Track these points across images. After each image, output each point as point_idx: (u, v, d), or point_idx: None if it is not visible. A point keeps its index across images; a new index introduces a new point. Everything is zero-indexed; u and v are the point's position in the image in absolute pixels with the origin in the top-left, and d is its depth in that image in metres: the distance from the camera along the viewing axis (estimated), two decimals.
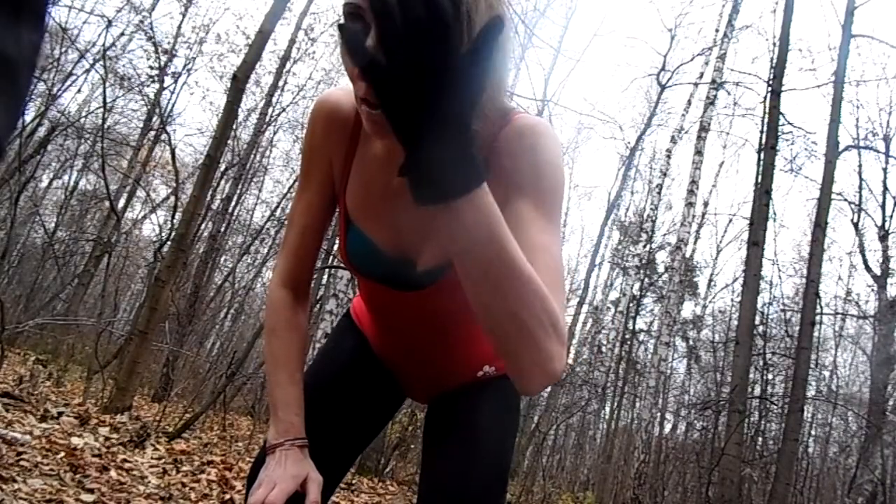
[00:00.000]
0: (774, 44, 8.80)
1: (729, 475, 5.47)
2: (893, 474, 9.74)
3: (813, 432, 13.01)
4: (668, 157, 11.96)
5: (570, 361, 12.69)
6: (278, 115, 11.61)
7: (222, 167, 9.33)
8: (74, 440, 3.23)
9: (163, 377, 7.66)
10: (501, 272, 0.59)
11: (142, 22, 10.39)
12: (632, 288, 12.86)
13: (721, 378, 12.10)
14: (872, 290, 11.29)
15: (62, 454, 2.90)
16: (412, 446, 6.56)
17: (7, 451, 2.63)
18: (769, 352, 10.36)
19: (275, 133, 12.58)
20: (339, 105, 0.90)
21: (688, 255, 13.04)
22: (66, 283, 10.77)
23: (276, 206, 11.09)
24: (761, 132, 8.80)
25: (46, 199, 14.69)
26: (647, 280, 13.92)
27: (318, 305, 7.16)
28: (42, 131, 10.15)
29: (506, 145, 0.76)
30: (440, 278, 0.85)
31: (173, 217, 7.18)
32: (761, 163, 7.23)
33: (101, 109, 7.29)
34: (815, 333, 8.35)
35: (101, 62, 7.68)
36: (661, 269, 14.71)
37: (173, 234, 5.44)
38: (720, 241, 15.98)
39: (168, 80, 10.87)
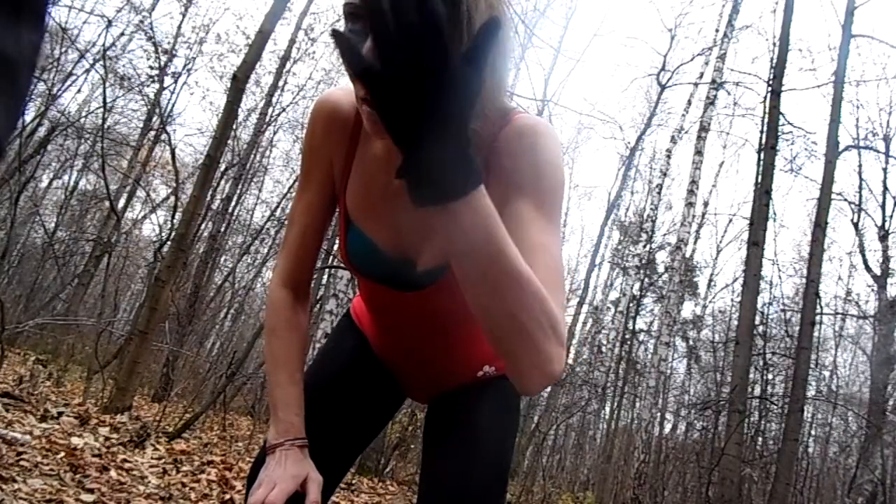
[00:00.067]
0: (774, 44, 8.80)
1: (729, 475, 5.47)
2: (893, 474, 9.74)
3: (813, 432, 13.01)
4: (668, 157, 11.97)
5: (570, 361, 12.70)
6: (278, 115, 11.61)
7: (222, 167, 9.33)
8: (74, 440, 3.23)
9: (163, 377, 7.66)
10: (499, 274, 0.59)
11: (142, 22, 10.39)
12: (632, 288, 12.86)
13: (721, 378, 12.10)
14: (872, 290, 11.29)
15: (62, 454, 2.90)
16: (412, 446, 6.56)
17: (7, 451, 2.63)
18: (769, 352, 10.36)
19: (275, 133, 12.60)
20: (340, 105, 0.90)
21: (688, 255, 13.04)
22: (66, 283, 10.77)
23: (276, 206, 11.10)
24: (761, 132, 8.81)
25: (46, 199, 14.69)
26: (647, 280, 13.92)
27: (318, 305, 7.15)
28: (42, 131, 10.15)
29: (506, 145, 0.76)
30: (440, 278, 0.85)
31: (173, 217, 7.18)
32: (761, 163, 7.23)
33: (101, 109, 7.30)
34: (815, 333, 8.35)
35: (101, 62, 7.68)
36: (661, 269, 14.71)
37: (173, 234, 5.44)
38: (720, 241, 15.99)
39: (168, 80, 10.88)
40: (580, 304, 13.33)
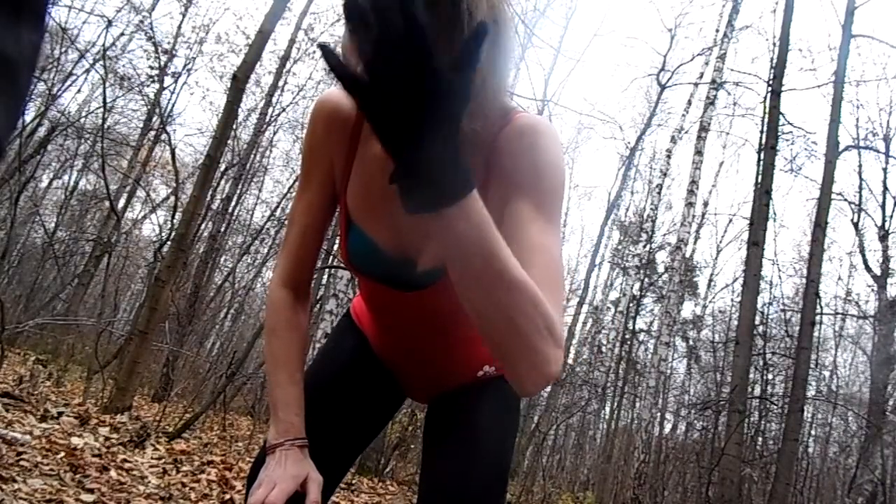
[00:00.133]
0: (774, 44, 8.81)
1: (729, 475, 5.47)
2: (893, 474, 9.75)
3: (813, 432, 13.01)
4: (668, 157, 11.96)
5: (570, 361, 12.70)
6: (278, 115, 11.61)
7: (222, 167, 9.33)
8: (74, 440, 3.23)
9: (163, 377, 7.66)
10: (493, 278, 0.59)
11: (142, 22, 10.39)
12: (632, 288, 12.86)
13: (721, 378, 12.10)
14: (872, 290, 11.30)
15: (62, 454, 2.90)
16: (412, 446, 6.56)
17: (7, 451, 2.63)
18: (769, 352, 10.36)
19: (275, 133, 12.59)
20: (340, 105, 0.90)
21: (688, 255, 13.04)
22: (66, 283, 10.77)
23: (276, 206, 11.10)
24: (761, 132, 8.81)
25: (46, 199, 14.69)
26: (647, 280, 13.92)
27: (318, 305, 7.15)
28: (42, 131, 10.15)
29: (506, 144, 0.76)
30: (440, 278, 0.85)
31: (173, 217, 7.18)
32: (761, 163, 7.23)
33: (101, 109, 7.30)
34: (815, 333, 8.35)
35: (101, 62, 7.68)
36: (661, 269, 14.71)
37: (173, 234, 5.44)
38: (720, 241, 15.99)
39: (168, 80, 10.89)
40: (580, 304, 13.33)
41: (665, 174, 12.21)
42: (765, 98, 8.40)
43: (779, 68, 6.85)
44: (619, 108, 28.87)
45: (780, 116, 6.96)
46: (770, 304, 11.65)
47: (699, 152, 10.24)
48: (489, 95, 0.71)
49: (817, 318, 7.39)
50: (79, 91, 14.21)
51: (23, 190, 7.89)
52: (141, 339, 4.63)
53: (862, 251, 11.05)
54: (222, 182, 10.59)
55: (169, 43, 11.13)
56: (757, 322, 8.10)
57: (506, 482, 1.02)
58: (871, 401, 9.78)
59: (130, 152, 11.65)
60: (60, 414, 3.86)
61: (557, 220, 0.75)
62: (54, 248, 10.97)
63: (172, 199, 9.19)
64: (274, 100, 11.02)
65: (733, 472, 5.51)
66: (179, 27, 11.72)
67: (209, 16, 21.03)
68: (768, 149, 6.62)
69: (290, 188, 11.15)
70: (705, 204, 14.92)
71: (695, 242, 14.79)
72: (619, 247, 15.63)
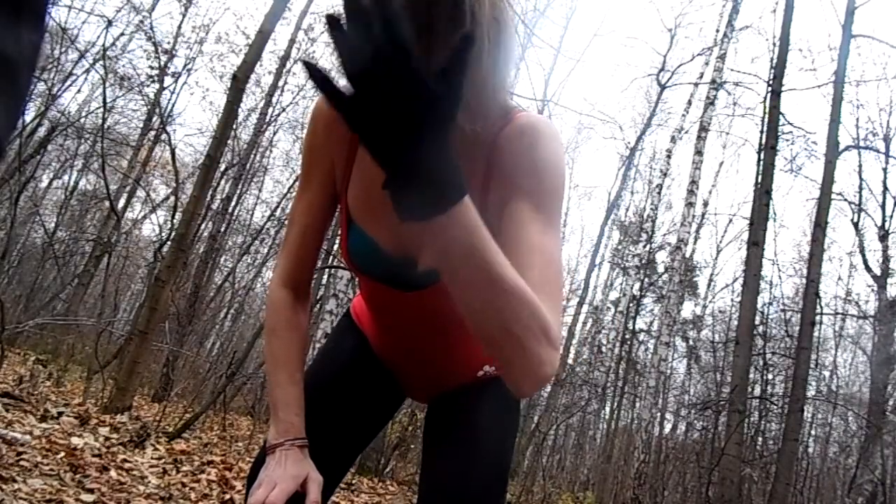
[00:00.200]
0: (774, 44, 8.81)
1: (729, 475, 5.47)
2: (893, 474, 9.75)
3: (813, 432, 13.01)
4: (668, 157, 11.97)
5: (570, 361, 12.70)
6: (278, 115, 11.61)
7: (222, 167, 9.33)
8: (74, 440, 3.23)
9: (163, 377, 7.66)
10: (486, 284, 0.60)
11: (142, 22, 10.39)
12: (632, 288, 12.86)
13: (721, 378, 12.10)
14: (872, 290, 11.30)
15: (62, 454, 2.90)
16: (412, 446, 6.56)
17: (7, 451, 2.63)
18: (769, 352, 10.36)
19: (275, 133, 12.59)
20: None
21: (688, 255, 13.04)
22: (66, 283, 10.77)
23: (276, 206, 11.10)
24: (761, 132, 8.81)
25: (46, 199, 14.69)
26: (647, 280, 13.92)
27: (318, 305, 7.15)
28: (42, 131, 10.15)
29: (507, 144, 0.77)
30: (441, 279, 0.85)
31: (173, 217, 7.18)
32: (761, 163, 7.23)
33: (101, 109, 7.30)
34: (815, 333, 8.35)
35: (101, 62, 7.69)
36: (661, 269, 14.71)
37: (173, 234, 5.44)
38: (720, 241, 15.99)
39: (168, 80, 10.89)
40: (580, 304, 13.34)
41: (665, 174, 12.21)
42: (765, 98, 8.40)
43: (779, 68, 6.85)
44: (619, 108, 28.88)
45: (780, 116, 6.96)
46: (770, 304, 11.66)
47: (699, 152, 10.24)
48: (490, 95, 0.71)
49: (817, 318, 7.40)
50: (79, 91, 14.24)
51: (23, 190, 7.89)
52: (141, 339, 4.63)
53: (862, 251, 11.05)
54: (222, 182, 10.59)
55: (169, 43, 11.14)
56: (757, 322, 8.10)
57: (506, 482, 1.02)
58: (871, 401, 9.78)
59: (130, 152, 11.65)
60: (60, 414, 3.86)
61: (557, 221, 0.75)
62: (54, 248, 10.98)
63: (172, 199, 9.19)
64: (274, 100, 11.02)
65: (733, 472, 5.51)
66: (179, 27, 11.73)
67: (209, 16, 21.03)
68: (768, 149, 6.62)
69: (290, 188, 11.15)
70: (705, 204, 14.92)
71: (695, 242, 14.80)
72: (619, 247, 15.63)
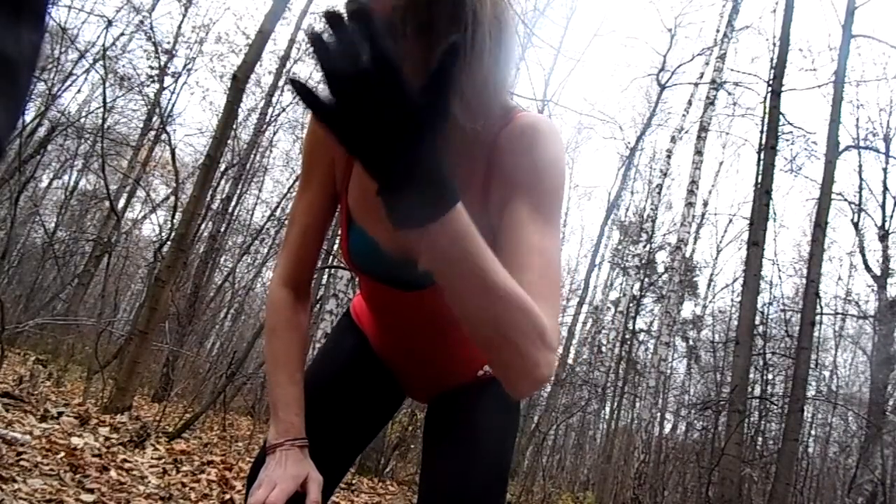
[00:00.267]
0: (774, 44, 8.81)
1: (729, 475, 5.46)
2: (893, 474, 9.75)
3: (813, 432, 13.00)
4: (668, 157, 11.97)
5: (570, 361, 12.70)
6: (278, 115, 11.60)
7: (222, 167, 9.33)
8: (74, 440, 3.23)
9: (163, 377, 7.66)
10: (479, 289, 0.60)
11: (142, 22, 10.39)
12: (632, 288, 12.86)
13: (721, 378, 12.10)
14: (872, 290, 11.30)
15: (62, 454, 2.90)
16: (412, 446, 6.56)
17: (7, 451, 2.63)
18: (769, 352, 10.36)
19: (275, 133, 12.59)
20: None
21: (688, 255, 13.04)
22: (66, 283, 10.77)
23: (276, 206, 11.09)
24: (761, 132, 8.81)
25: (46, 199, 14.69)
26: (647, 280, 13.91)
27: (318, 305, 7.15)
28: (42, 131, 10.15)
29: (507, 144, 0.76)
30: None
31: (173, 217, 7.18)
32: (761, 163, 7.23)
33: (101, 109, 7.31)
34: (815, 333, 8.35)
35: (101, 62, 7.69)
36: (661, 269, 14.71)
37: (173, 234, 5.44)
38: (720, 241, 16.00)
39: (168, 80, 10.89)
40: (580, 304, 13.32)
41: (665, 174, 12.21)
42: (765, 98, 8.41)
43: (779, 68, 6.85)
44: (619, 108, 28.90)
45: (780, 116, 6.96)
46: (770, 304, 11.66)
47: (699, 152, 10.25)
48: (491, 94, 0.71)
49: (817, 318, 7.39)
50: (79, 91, 14.23)
51: (23, 190, 7.89)
52: (141, 339, 4.63)
53: (862, 251, 11.06)
54: (222, 182, 10.59)
55: (169, 43, 11.14)
56: (757, 322, 8.10)
57: (506, 482, 1.02)
58: (871, 401, 9.78)
59: (130, 152, 11.65)
60: (60, 414, 3.86)
61: (556, 221, 0.75)
62: (54, 248, 10.97)
63: (172, 199, 9.19)
64: (274, 100, 11.01)
65: (733, 472, 5.51)
66: (179, 27, 11.73)
67: (209, 16, 21.04)
68: (768, 149, 6.62)
69: (290, 188, 11.14)
70: (705, 204, 14.93)
71: (695, 242, 14.80)
72: (619, 247, 15.63)
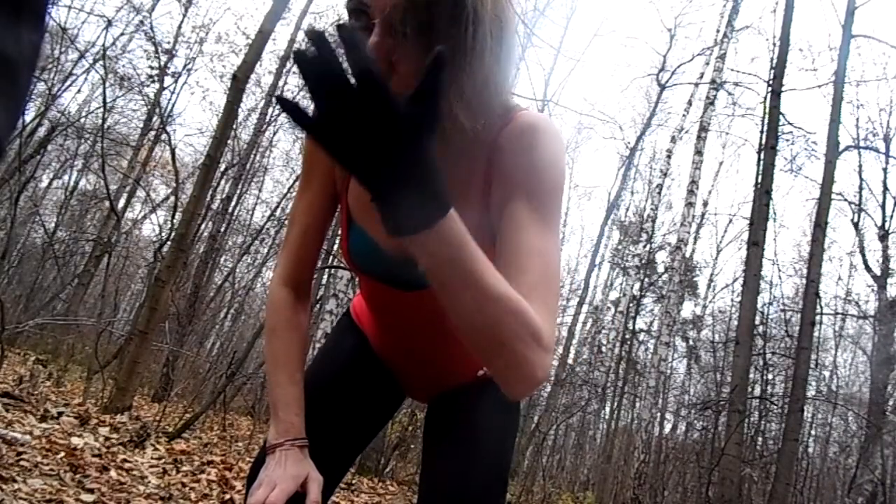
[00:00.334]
0: (774, 44, 8.81)
1: (729, 475, 5.46)
2: (893, 474, 9.75)
3: (813, 432, 13.00)
4: (668, 157, 11.97)
5: (570, 361, 12.70)
6: (278, 115, 11.57)
7: (222, 167, 9.33)
8: (74, 440, 3.23)
9: (163, 377, 7.66)
10: (472, 295, 0.61)
11: (142, 22, 10.39)
12: (632, 288, 12.86)
13: (721, 378, 12.10)
14: (872, 290, 11.30)
15: (62, 454, 2.90)
16: (412, 446, 6.56)
17: (7, 451, 2.63)
18: (769, 352, 10.36)
19: (275, 133, 12.57)
20: None
21: (688, 255, 13.04)
22: (66, 283, 10.77)
23: (276, 206, 11.09)
24: (761, 132, 8.81)
25: (46, 199, 14.69)
26: (647, 280, 13.91)
27: (318, 305, 7.15)
28: (42, 131, 10.14)
29: (507, 143, 0.76)
30: None
31: (173, 217, 7.18)
32: (761, 163, 7.23)
33: (101, 109, 7.31)
34: (815, 333, 8.34)
35: (101, 62, 7.68)
36: (661, 269, 14.71)
37: (173, 234, 5.44)
38: (720, 241, 16.00)
39: (168, 80, 10.89)
40: (580, 304, 13.32)
41: (665, 174, 12.21)
42: (765, 98, 8.41)
43: (779, 68, 6.85)
44: (619, 108, 28.93)
45: (780, 116, 6.96)
46: (770, 304, 11.66)
47: (699, 152, 10.24)
48: (491, 93, 0.71)
49: (817, 318, 7.39)
50: (79, 91, 14.24)
51: (23, 190, 7.89)
52: (141, 339, 4.63)
53: (862, 251, 11.06)
54: (222, 182, 10.59)
55: (169, 43, 11.14)
56: (757, 322, 8.10)
57: (506, 482, 1.02)
58: (871, 401, 9.78)
59: (130, 152, 11.64)
60: (60, 414, 3.86)
61: (556, 221, 0.75)
62: (54, 248, 10.97)
63: (172, 199, 9.19)
64: (274, 100, 11.01)
65: (733, 472, 5.51)
66: (179, 27, 11.73)
67: (209, 16, 21.05)
68: (768, 149, 6.62)
69: (290, 188, 11.14)
70: (705, 204, 14.93)
71: (695, 242, 14.81)
72: (619, 247, 15.63)
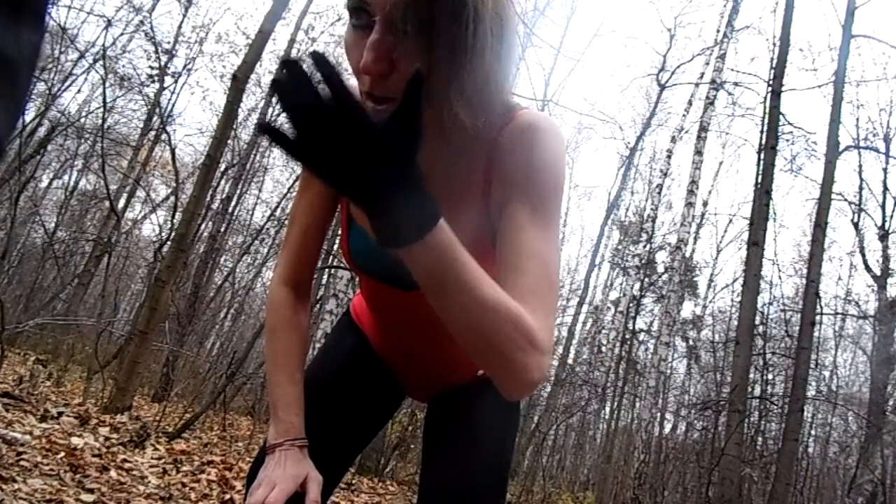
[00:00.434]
0: (774, 44, 8.81)
1: (729, 475, 5.46)
2: (893, 474, 9.74)
3: (813, 432, 13.00)
4: (669, 157, 11.97)
5: (570, 361, 12.70)
6: (278, 115, 11.55)
7: (222, 167, 9.33)
8: (74, 440, 3.23)
9: (163, 377, 7.66)
10: (465, 304, 0.61)
11: (142, 22, 10.39)
12: (632, 288, 12.85)
13: (721, 378, 12.10)
14: (872, 290, 11.30)
15: (62, 454, 2.90)
16: (412, 446, 6.56)
17: (7, 451, 2.63)
18: (769, 352, 10.35)
19: None
20: None
21: (688, 255, 13.04)
22: (66, 283, 10.77)
23: (276, 206, 11.08)
24: (761, 132, 8.81)
25: (46, 199, 14.68)
26: (647, 280, 13.91)
27: (318, 305, 7.15)
28: (42, 131, 10.14)
29: (508, 142, 0.76)
30: None
31: (173, 217, 7.18)
32: (761, 163, 7.23)
33: (101, 109, 7.31)
34: (815, 333, 8.34)
35: (101, 62, 7.68)
36: (661, 269, 14.70)
37: (173, 234, 5.44)
38: (720, 241, 16.00)
39: (168, 80, 10.89)
40: (580, 304, 13.31)
41: (665, 174, 12.21)
42: (765, 98, 8.41)
43: (779, 68, 6.85)
44: (619, 108, 28.98)
45: (780, 116, 6.96)
46: (770, 304, 11.66)
47: (699, 152, 10.24)
48: (492, 92, 0.71)
49: (817, 318, 7.39)
50: (79, 91, 14.23)
51: (23, 190, 7.88)
52: (141, 339, 4.63)
53: (862, 251, 11.06)
54: (222, 182, 10.59)
55: (169, 43, 11.14)
56: (757, 322, 8.09)
57: (506, 482, 1.02)
58: (871, 401, 9.78)
59: (130, 152, 11.64)
60: (60, 414, 3.86)
61: (555, 222, 0.75)
62: (54, 248, 10.97)
63: (172, 199, 9.19)
64: (274, 100, 10.99)
65: (733, 472, 5.51)
66: (179, 27, 11.72)
67: (209, 16, 21.05)
68: (768, 149, 6.62)
69: (290, 188, 11.13)
70: (705, 204, 14.93)
71: (695, 242, 14.81)
72: (619, 247, 15.63)
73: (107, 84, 6.99)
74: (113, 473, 2.91)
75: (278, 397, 0.92)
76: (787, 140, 9.61)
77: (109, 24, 7.70)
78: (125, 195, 12.03)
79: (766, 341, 10.61)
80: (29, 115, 8.99)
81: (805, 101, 33.90)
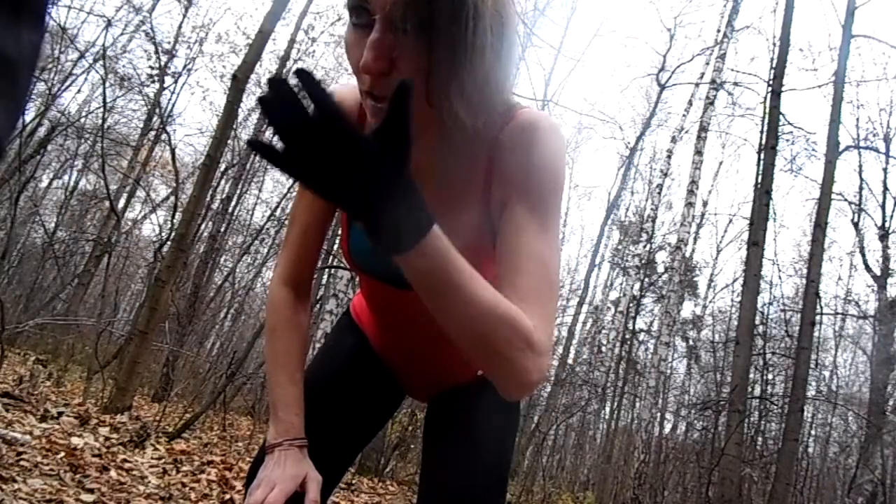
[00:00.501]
0: (774, 44, 8.81)
1: (729, 475, 5.46)
2: (893, 474, 9.74)
3: (813, 432, 12.99)
4: (669, 157, 11.97)
5: (570, 361, 12.70)
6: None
7: (222, 167, 9.33)
8: (74, 440, 3.23)
9: (163, 377, 7.66)
10: (461, 308, 0.62)
11: (142, 22, 10.39)
12: (632, 288, 12.85)
13: (721, 378, 12.10)
14: (872, 290, 11.30)
15: (62, 454, 2.90)
16: (412, 446, 6.56)
17: (7, 451, 2.63)
18: (769, 352, 10.35)
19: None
20: (343, 102, 0.89)
21: (688, 255, 13.04)
22: (66, 283, 10.77)
23: (276, 206, 11.07)
24: (761, 132, 8.81)
25: (46, 199, 14.68)
26: (647, 280, 13.91)
27: (318, 305, 7.15)
28: (42, 131, 10.14)
29: (508, 141, 0.76)
30: None
31: (173, 217, 7.18)
32: (761, 163, 7.23)
33: (101, 109, 7.31)
34: (815, 333, 8.34)
35: (101, 62, 7.68)
36: (661, 269, 14.70)
37: (173, 234, 5.44)
38: (720, 241, 16.00)
39: (168, 80, 10.88)
40: (580, 304, 13.31)
41: (665, 174, 12.21)
42: (765, 98, 8.41)
43: (779, 68, 6.85)
44: (619, 108, 28.96)
45: (780, 116, 6.96)
46: (770, 304, 11.65)
47: (699, 152, 10.24)
48: (492, 91, 0.71)
49: (817, 318, 7.39)
50: (79, 91, 14.20)
51: (23, 190, 7.88)
52: (141, 339, 4.63)
53: (862, 251, 11.06)
54: (222, 182, 10.59)
55: (169, 43, 11.14)
56: (757, 322, 8.09)
57: (506, 482, 1.02)
58: (871, 401, 9.78)
59: (130, 152, 11.64)
60: (60, 414, 3.86)
61: (555, 222, 0.75)
62: (54, 248, 10.97)
63: (172, 199, 9.19)
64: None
65: (733, 472, 5.51)
66: (179, 27, 11.72)
67: (209, 16, 21.05)
68: (768, 149, 6.61)
69: (290, 188, 11.11)
70: (705, 204, 14.93)
71: (695, 242, 14.80)
72: (619, 247, 15.63)
73: (107, 84, 6.99)
74: (113, 473, 2.91)
75: (278, 397, 0.92)
76: (788, 140, 9.62)
77: (109, 24, 7.71)
78: (125, 195, 12.03)
79: (766, 341, 10.60)
80: (29, 115, 8.99)
81: (805, 101, 33.93)
